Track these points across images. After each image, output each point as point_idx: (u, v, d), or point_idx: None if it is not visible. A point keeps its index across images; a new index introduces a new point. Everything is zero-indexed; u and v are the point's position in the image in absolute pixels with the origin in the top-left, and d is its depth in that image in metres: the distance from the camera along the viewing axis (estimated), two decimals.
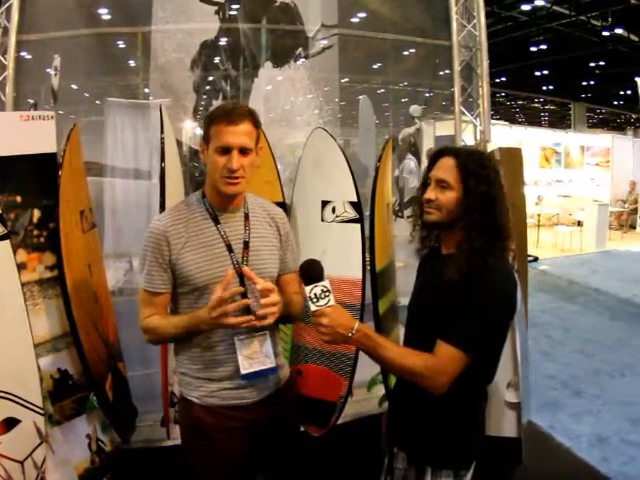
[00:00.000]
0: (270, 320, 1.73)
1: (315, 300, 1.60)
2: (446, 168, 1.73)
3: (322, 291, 1.61)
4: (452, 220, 1.74)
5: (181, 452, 2.00)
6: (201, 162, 1.85)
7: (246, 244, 1.88)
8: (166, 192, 2.68)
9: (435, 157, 1.80)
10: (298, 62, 4.59)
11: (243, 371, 1.81)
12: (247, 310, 1.78)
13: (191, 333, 1.82)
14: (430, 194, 1.76)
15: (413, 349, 1.70)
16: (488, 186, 1.66)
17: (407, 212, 5.49)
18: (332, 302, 1.62)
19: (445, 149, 1.81)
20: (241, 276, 1.85)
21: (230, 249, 1.85)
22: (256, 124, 1.81)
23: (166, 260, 1.81)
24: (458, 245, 1.73)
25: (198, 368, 1.89)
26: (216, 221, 1.86)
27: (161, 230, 1.81)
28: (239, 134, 1.75)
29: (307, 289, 1.61)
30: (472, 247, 1.65)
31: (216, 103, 4.43)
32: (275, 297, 1.73)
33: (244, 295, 1.81)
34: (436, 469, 1.76)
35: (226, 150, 1.74)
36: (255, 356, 1.82)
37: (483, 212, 1.66)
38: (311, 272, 1.65)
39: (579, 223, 12.53)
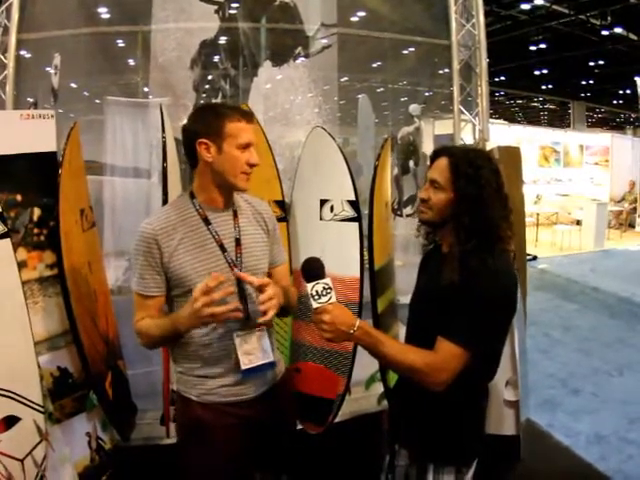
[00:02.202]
0: (272, 313, 1.73)
1: (317, 297, 1.60)
2: (439, 169, 1.74)
3: (324, 288, 1.61)
4: (444, 220, 1.76)
5: (179, 450, 2.01)
6: (201, 158, 1.80)
7: (237, 241, 1.89)
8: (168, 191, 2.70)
9: (433, 157, 1.81)
10: (297, 61, 4.60)
11: (243, 367, 1.82)
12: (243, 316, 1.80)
13: (173, 335, 1.80)
14: (423, 194, 1.79)
15: (414, 346, 1.71)
16: (479, 187, 1.65)
17: (406, 211, 5.50)
18: (334, 299, 1.62)
19: (442, 149, 1.82)
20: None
21: (223, 248, 1.86)
22: None
23: (158, 263, 1.80)
24: (451, 247, 1.75)
25: (196, 366, 1.90)
26: (207, 222, 1.86)
27: (151, 234, 1.79)
28: (254, 132, 1.86)
29: (309, 286, 1.61)
30: (464, 249, 1.66)
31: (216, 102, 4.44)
32: (271, 290, 1.73)
33: (241, 295, 1.85)
34: (438, 466, 1.77)
35: (247, 146, 1.80)
36: (254, 351, 1.83)
37: (473, 214, 1.66)
38: (312, 270, 1.65)
39: (578, 222, 12.51)
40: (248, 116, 1.83)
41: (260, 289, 1.75)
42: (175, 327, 1.75)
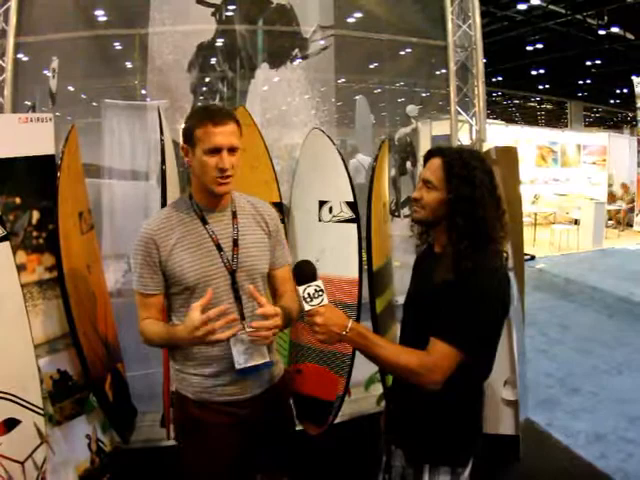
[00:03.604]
0: (262, 342, 1.76)
1: (309, 300, 1.62)
2: (433, 169, 1.75)
3: (315, 291, 1.62)
4: (437, 219, 1.76)
5: (177, 449, 2.02)
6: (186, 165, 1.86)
7: (235, 242, 1.90)
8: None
9: (427, 157, 1.82)
10: (294, 63, 4.60)
11: (238, 366, 1.83)
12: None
13: (173, 346, 1.87)
14: (416, 193, 1.80)
15: (408, 347, 1.71)
16: (472, 188, 1.66)
17: (404, 212, 5.50)
18: (325, 301, 1.63)
19: (435, 149, 1.82)
20: (232, 275, 1.88)
21: (219, 248, 1.87)
22: (238, 122, 1.84)
23: (156, 262, 1.83)
24: (444, 247, 1.76)
25: (193, 365, 1.91)
26: (204, 221, 1.88)
27: (149, 233, 1.83)
28: (227, 134, 1.78)
29: (300, 289, 1.62)
30: (458, 250, 1.67)
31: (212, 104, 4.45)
32: (273, 323, 1.74)
33: (236, 296, 1.88)
34: (433, 466, 1.77)
35: (216, 151, 1.76)
36: (249, 351, 1.84)
37: (466, 215, 1.66)
38: (304, 272, 1.66)
39: (576, 222, 12.53)
40: (219, 117, 1.78)
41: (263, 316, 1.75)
42: (174, 342, 1.81)
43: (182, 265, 1.83)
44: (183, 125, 1.86)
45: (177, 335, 1.75)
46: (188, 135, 1.80)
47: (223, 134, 1.76)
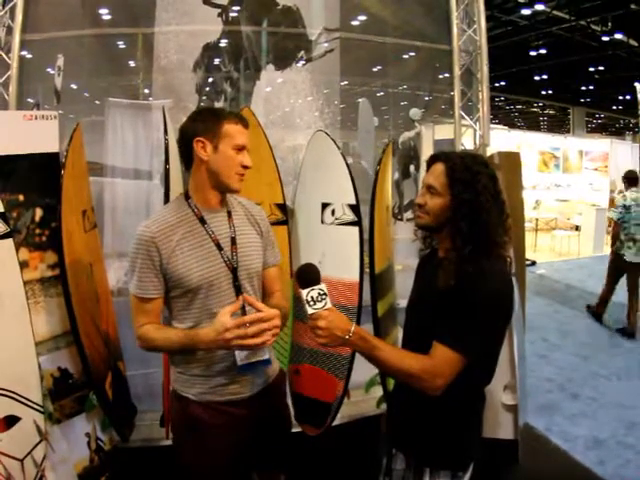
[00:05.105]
0: (270, 341, 1.76)
1: (312, 303, 1.61)
2: (436, 174, 1.75)
3: (319, 294, 1.62)
4: (440, 224, 1.76)
5: (175, 449, 2.02)
6: (197, 157, 1.85)
7: (233, 240, 1.92)
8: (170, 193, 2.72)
9: (430, 162, 1.82)
10: (299, 65, 4.60)
11: (239, 362, 1.84)
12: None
13: (187, 350, 1.85)
14: (420, 199, 1.80)
15: (410, 351, 1.72)
16: (476, 193, 1.66)
17: (406, 215, 5.50)
18: (329, 305, 1.63)
19: (438, 154, 1.82)
20: (234, 273, 1.90)
21: (219, 247, 1.89)
22: None
23: (157, 265, 1.83)
24: (447, 252, 1.75)
25: (195, 366, 1.92)
26: (203, 221, 1.90)
27: (149, 237, 1.82)
28: (248, 136, 1.90)
29: (304, 292, 1.62)
30: (460, 255, 1.66)
31: (218, 105, 4.46)
32: (273, 323, 1.75)
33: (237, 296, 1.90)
34: (434, 470, 1.77)
35: (241, 149, 1.85)
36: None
37: (470, 220, 1.66)
38: (307, 276, 1.66)
39: (577, 228, 12.54)
40: (244, 121, 1.90)
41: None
42: (194, 345, 1.80)
43: (185, 266, 1.83)
44: (197, 120, 1.87)
45: (199, 337, 1.76)
46: (212, 129, 1.83)
47: (247, 136, 1.90)
